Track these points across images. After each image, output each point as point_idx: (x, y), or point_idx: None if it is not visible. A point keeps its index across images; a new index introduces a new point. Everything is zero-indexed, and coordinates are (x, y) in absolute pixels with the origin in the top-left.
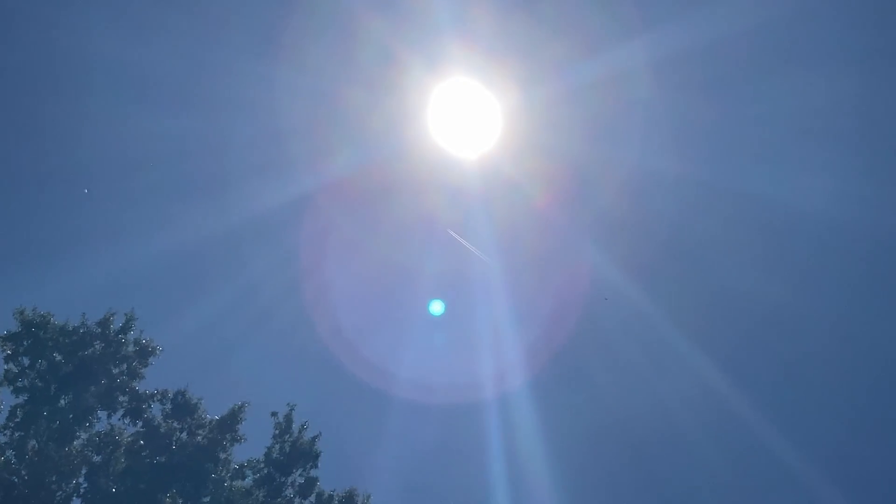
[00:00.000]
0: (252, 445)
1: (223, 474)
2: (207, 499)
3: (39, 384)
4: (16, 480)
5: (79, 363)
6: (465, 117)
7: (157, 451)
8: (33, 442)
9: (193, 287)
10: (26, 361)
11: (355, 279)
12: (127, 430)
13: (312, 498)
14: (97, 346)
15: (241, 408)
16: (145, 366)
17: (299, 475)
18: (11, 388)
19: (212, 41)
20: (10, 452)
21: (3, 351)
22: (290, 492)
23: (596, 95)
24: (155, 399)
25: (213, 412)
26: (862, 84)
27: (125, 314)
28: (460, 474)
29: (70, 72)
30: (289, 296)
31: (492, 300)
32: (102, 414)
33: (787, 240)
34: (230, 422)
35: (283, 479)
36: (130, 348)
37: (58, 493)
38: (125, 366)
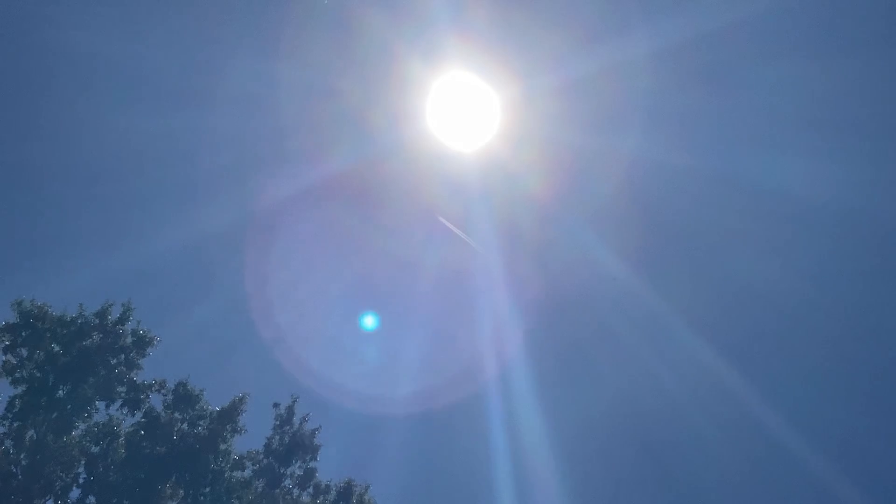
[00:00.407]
0: (252, 437)
1: (223, 465)
2: (207, 489)
3: (38, 375)
4: (14, 470)
5: (77, 354)
6: (464, 110)
7: (157, 442)
8: (32, 432)
9: (193, 286)
10: (24, 352)
11: (355, 274)
12: (125, 420)
13: (310, 489)
14: (95, 337)
15: (241, 399)
16: (143, 356)
17: (298, 466)
18: (10, 378)
19: (210, 38)
20: (8, 443)
21: (1, 342)
22: (288, 482)
23: (595, 87)
24: (153, 389)
25: (214, 404)
26: (865, 72)
27: (122, 304)
28: (461, 474)
29: (69, 70)
30: (289, 292)
31: (492, 292)
32: (101, 404)
33: (793, 229)
34: (231, 413)
35: (282, 471)
36: (128, 339)
37: (56, 484)
38: (123, 356)
